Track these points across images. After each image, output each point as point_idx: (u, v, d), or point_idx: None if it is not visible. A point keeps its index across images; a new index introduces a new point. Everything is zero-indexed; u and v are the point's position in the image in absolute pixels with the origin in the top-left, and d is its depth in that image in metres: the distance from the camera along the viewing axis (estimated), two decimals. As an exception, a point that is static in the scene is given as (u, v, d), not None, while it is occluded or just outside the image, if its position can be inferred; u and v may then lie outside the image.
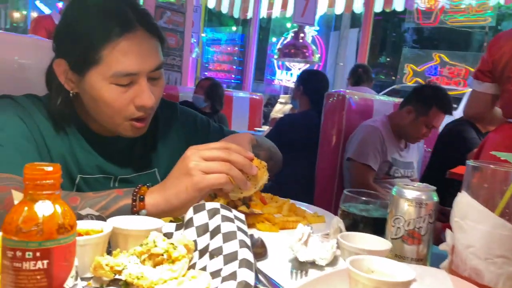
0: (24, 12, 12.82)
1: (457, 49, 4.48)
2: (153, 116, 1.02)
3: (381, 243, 0.75)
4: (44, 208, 0.47)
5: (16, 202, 0.49)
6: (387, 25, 6.19)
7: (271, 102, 5.86)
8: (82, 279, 0.61)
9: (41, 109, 0.97)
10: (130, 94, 0.93)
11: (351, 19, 6.86)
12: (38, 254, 0.46)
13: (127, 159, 1.07)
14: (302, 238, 0.73)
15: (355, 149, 2.51)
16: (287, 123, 3.09)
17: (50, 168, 0.47)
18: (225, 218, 0.69)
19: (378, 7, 5.37)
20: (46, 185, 0.47)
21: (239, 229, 0.67)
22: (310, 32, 5.37)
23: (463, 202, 0.67)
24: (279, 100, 4.46)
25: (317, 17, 5.29)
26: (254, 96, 5.17)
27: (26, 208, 0.47)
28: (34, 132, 0.94)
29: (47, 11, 9.56)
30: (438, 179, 2.84)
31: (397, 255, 0.76)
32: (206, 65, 8.51)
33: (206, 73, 8.15)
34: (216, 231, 0.67)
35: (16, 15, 13.56)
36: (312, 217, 0.98)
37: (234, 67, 7.26)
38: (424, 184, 0.80)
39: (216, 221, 0.69)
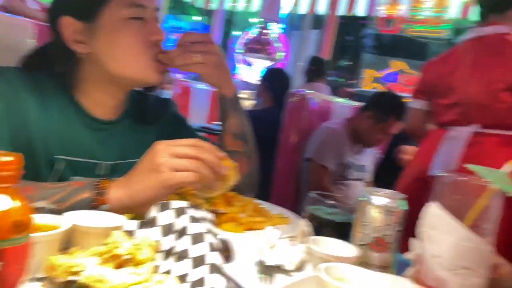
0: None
1: (414, 58, 4.65)
2: (143, 107, 1.06)
3: (349, 249, 0.74)
4: (-3, 203, 0.42)
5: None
6: (348, 29, 6.32)
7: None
8: (34, 279, 0.56)
9: (31, 83, 0.91)
10: (146, 31, 0.94)
11: (314, 20, 6.94)
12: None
13: (118, 145, 1.03)
14: (270, 241, 0.71)
15: (314, 150, 2.54)
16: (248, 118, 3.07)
17: (8, 158, 0.42)
18: (193, 219, 0.65)
19: (341, 10, 5.47)
20: (2, 178, 0.41)
21: (208, 230, 0.64)
22: (275, 29, 5.39)
23: (433, 213, 0.68)
24: (240, 95, 4.43)
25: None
26: (215, 89, 5.10)
27: (-24, 203, 0.41)
28: (14, 109, 0.87)
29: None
30: (386, 182, 2.95)
31: (363, 262, 0.76)
32: (166, 53, 8.31)
33: (165, 61, 7.96)
34: (183, 232, 0.63)
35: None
36: (278, 218, 0.97)
37: (195, 58, 7.13)
38: (394, 191, 0.80)
39: (183, 221, 0.65)
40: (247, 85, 6.49)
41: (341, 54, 5.99)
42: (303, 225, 0.82)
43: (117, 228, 0.64)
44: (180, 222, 0.65)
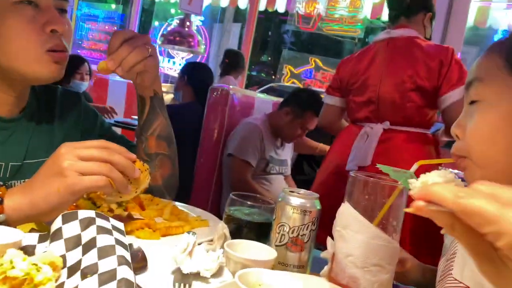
0: None
1: (330, 55, 4.86)
2: (50, 101, 0.97)
3: (266, 252, 0.74)
4: None
5: None
6: (269, 25, 6.41)
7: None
8: None
9: None
10: (39, 19, 0.84)
11: (235, 14, 6.94)
12: None
13: (22, 144, 0.94)
14: (186, 248, 0.68)
15: (236, 145, 2.54)
16: (168, 114, 2.98)
17: None
18: (102, 230, 0.61)
19: (261, 5, 5.52)
20: None
21: (118, 242, 0.60)
22: (196, 22, 5.29)
23: (345, 212, 0.70)
24: (160, 88, 4.28)
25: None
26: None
27: None
28: None
29: None
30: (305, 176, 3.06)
31: (280, 262, 0.77)
32: (80, 42, 7.78)
33: (78, 51, 7.45)
34: (90, 245, 0.58)
35: None
36: (196, 221, 0.94)
37: (112, 48, 6.75)
38: (308, 191, 0.82)
39: (90, 232, 0.60)
40: (168, 78, 6.32)
41: (262, 49, 6.07)
42: (222, 228, 0.81)
43: (14, 244, 0.57)
44: (87, 234, 0.60)
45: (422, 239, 1.73)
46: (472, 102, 0.70)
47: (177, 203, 1.08)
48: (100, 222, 0.62)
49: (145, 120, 1.07)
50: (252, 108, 2.96)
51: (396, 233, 0.71)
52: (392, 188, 0.69)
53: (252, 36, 5.09)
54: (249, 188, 2.50)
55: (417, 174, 0.69)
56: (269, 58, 5.80)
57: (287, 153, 2.83)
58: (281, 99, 2.85)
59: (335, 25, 4.61)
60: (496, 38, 3.93)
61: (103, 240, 0.59)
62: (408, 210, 0.41)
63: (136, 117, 4.14)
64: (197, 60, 5.31)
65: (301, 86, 4.73)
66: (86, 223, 0.62)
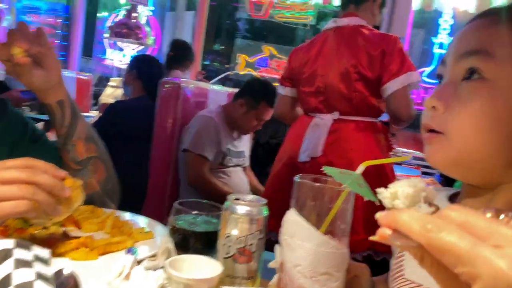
0: None
1: (284, 43, 4.83)
2: None
3: (212, 267, 0.70)
4: None
5: None
6: (222, 13, 6.29)
7: (104, 82, 5.40)
8: None
9: None
10: None
11: (188, 1, 6.75)
12: None
13: None
14: (123, 271, 0.63)
15: (191, 140, 2.47)
16: (119, 110, 2.86)
17: None
18: (20, 263, 0.54)
19: (213, -8, 5.40)
20: None
21: (39, 276, 0.53)
22: (144, 12, 5.10)
23: (291, 220, 0.67)
24: (110, 83, 4.11)
25: (151, -4, 5.04)
26: (82, 76, 4.67)
27: None
28: None
29: None
30: (262, 167, 3.04)
31: (229, 275, 0.73)
32: (21, 36, 7.34)
33: (21, 46, 7.02)
34: (4, 283, 0.52)
35: None
36: (140, 233, 0.89)
37: (57, 41, 6.42)
38: (256, 197, 0.78)
39: (6, 267, 0.53)
40: (118, 72, 6.09)
41: (216, 38, 5.96)
42: (165, 242, 0.76)
43: None
44: (3, 270, 0.53)
45: (376, 225, 1.75)
46: (469, 77, 0.60)
47: (122, 213, 1.01)
48: (18, 253, 0.55)
49: (69, 125, 0.99)
50: (206, 100, 2.89)
51: (345, 237, 0.69)
52: (338, 192, 0.66)
53: (205, 25, 4.97)
54: (207, 183, 2.45)
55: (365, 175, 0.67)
56: (222, 47, 5.71)
57: (244, 144, 2.79)
58: (235, 90, 2.79)
59: (287, 12, 4.58)
60: (441, 21, 4.03)
61: (21, 276, 0.52)
62: (373, 238, 0.38)
63: (86, 114, 3.94)
64: (149, 52, 5.14)
65: (256, 75, 4.68)
66: (2, 256, 0.55)
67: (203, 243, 0.81)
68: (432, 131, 0.64)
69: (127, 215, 1.01)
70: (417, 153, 3.87)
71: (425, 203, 0.46)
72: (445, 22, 4.02)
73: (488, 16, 0.64)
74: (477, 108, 0.59)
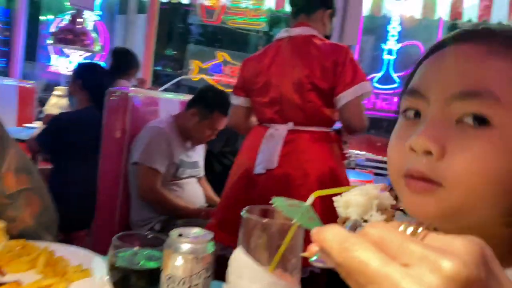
0: None
1: (238, 49, 4.79)
2: None
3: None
4: None
5: None
6: (174, 17, 6.15)
7: (52, 89, 5.13)
8: None
9: None
10: None
11: (138, 4, 6.56)
12: None
13: None
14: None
15: (141, 153, 2.37)
16: (64, 122, 2.70)
17: None
18: None
19: (163, -5, 5.26)
20: None
21: None
22: (91, 17, 4.87)
23: (238, 259, 0.62)
24: (54, 92, 3.89)
25: (98, 0, 4.84)
26: (25, 84, 4.41)
27: None
28: None
29: None
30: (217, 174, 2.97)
31: (172, 320, 0.67)
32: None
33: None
34: None
35: None
36: (75, 273, 0.80)
37: (-3, 47, 6.05)
38: (202, 232, 0.72)
39: None
40: (66, 78, 5.80)
41: (168, 43, 5.83)
42: (100, 279, 0.69)
43: None
44: None
45: (333, 221, 1.74)
46: (469, 121, 0.52)
47: (58, 246, 0.93)
48: None
49: None
50: (157, 109, 2.79)
51: (297, 269, 0.65)
52: (288, 226, 0.62)
53: (155, 29, 4.83)
54: (159, 197, 2.36)
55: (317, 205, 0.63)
56: (175, 52, 5.59)
57: (198, 154, 2.71)
58: (188, 97, 2.71)
59: (239, 18, 4.54)
60: (389, 27, 4.15)
61: None
62: (303, 254, 0.38)
63: (29, 125, 3.71)
64: (96, 59, 4.93)
65: (210, 81, 4.61)
66: None
67: (145, 282, 0.74)
68: (423, 179, 0.54)
69: (63, 249, 0.92)
70: (370, 155, 3.96)
71: (377, 211, 0.46)
72: (393, 29, 4.14)
73: (479, 42, 0.55)
74: (487, 158, 0.51)
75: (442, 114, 0.54)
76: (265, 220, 0.62)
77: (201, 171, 2.73)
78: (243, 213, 0.63)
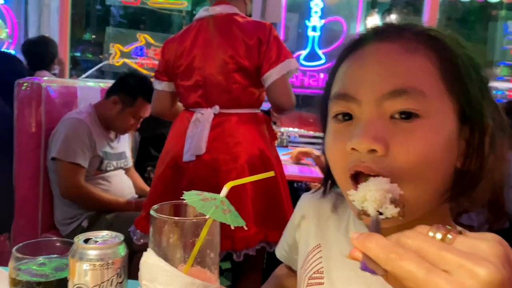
0: None
1: (160, 30, 4.59)
2: None
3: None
4: None
5: None
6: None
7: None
8: None
9: None
10: None
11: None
12: None
13: None
14: None
15: (60, 147, 2.20)
16: None
17: None
18: None
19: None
20: None
21: None
22: (-6, 0, 4.39)
23: (150, 263, 0.57)
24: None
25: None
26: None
27: None
28: None
29: None
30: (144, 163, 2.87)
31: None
32: None
33: None
34: None
35: None
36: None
37: None
38: (111, 234, 0.66)
39: None
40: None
41: (86, 26, 5.45)
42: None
43: None
44: None
45: (265, 217, 1.74)
46: (403, 117, 0.56)
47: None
48: None
49: None
50: (75, 99, 2.61)
51: (215, 265, 0.62)
52: (202, 222, 0.58)
53: (69, 11, 4.48)
54: (84, 193, 2.22)
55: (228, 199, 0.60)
56: (94, 36, 5.25)
57: (124, 144, 2.58)
58: (110, 83, 2.55)
59: (160, -3, 4.36)
60: (312, 4, 4.19)
61: None
62: (348, 256, 0.42)
63: None
64: (5, 47, 4.49)
65: (134, 65, 4.40)
66: None
67: (55, 293, 0.67)
68: (364, 174, 0.57)
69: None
70: (303, 131, 4.03)
71: (391, 203, 0.51)
72: (316, 6, 4.18)
73: (392, 40, 0.59)
74: (424, 146, 0.55)
75: (376, 114, 0.57)
76: (176, 219, 0.58)
77: (129, 162, 2.61)
78: (152, 211, 0.58)
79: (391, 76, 0.57)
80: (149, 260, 0.57)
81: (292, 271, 0.93)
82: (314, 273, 0.75)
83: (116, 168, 2.46)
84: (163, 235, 0.58)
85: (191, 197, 0.59)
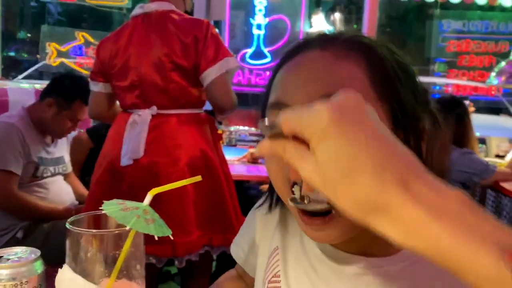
0: None
1: (101, 29, 4.41)
2: None
3: None
4: None
5: None
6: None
7: None
8: None
9: None
10: None
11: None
12: None
13: None
14: None
15: (-11, 154, 2.05)
16: None
17: None
18: None
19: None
20: None
21: None
22: None
23: (66, 280, 0.53)
24: None
25: None
26: None
27: None
28: None
29: None
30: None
31: None
32: None
33: None
34: None
35: None
36: None
37: None
38: (26, 250, 0.61)
39: None
40: None
41: (21, 24, 5.15)
42: None
43: None
44: None
45: (209, 220, 1.71)
46: None
47: None
48: None
49: None
50: (6, 103, 2.45)
51: (142, 277, 0.59)
52: (124, 233, 0.55)
53: (0, 9, 4.21)
54: (17, 203, 2.09)
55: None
56: (29, 35, 4.97)
57: (62, 148, 2.45)
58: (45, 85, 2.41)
59: (100, -5, 4.19)
60: (256, 1, 4.20)
61: None
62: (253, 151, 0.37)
63: None
64: None
65: (72, 65, 4.20)
66: None
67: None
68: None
69: None
70: (253, 130, 4.03)
71: None
72: (260, 3, 4.20)
73: (324, 48, 0.60)
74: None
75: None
76: (94, 231, 0.54)
77: (68, 167, 2.48)
78: (67, 224, 0.54)
79: (320, 81, 0.57)
80: (65, 277, 0.53)
81: (245, 276, 0.89)
82: (273, 276, 0.74)
83: (53, 174, 2.34)
84: (80, 250, 0.54)
85: (111, 207, 0.55)
